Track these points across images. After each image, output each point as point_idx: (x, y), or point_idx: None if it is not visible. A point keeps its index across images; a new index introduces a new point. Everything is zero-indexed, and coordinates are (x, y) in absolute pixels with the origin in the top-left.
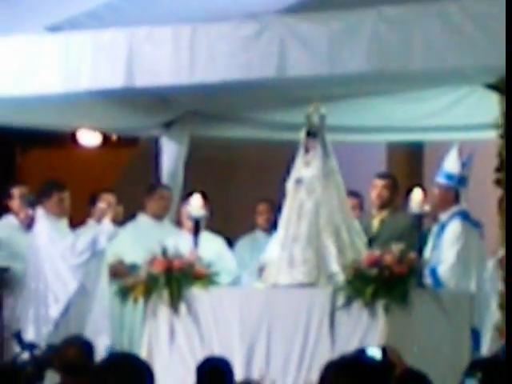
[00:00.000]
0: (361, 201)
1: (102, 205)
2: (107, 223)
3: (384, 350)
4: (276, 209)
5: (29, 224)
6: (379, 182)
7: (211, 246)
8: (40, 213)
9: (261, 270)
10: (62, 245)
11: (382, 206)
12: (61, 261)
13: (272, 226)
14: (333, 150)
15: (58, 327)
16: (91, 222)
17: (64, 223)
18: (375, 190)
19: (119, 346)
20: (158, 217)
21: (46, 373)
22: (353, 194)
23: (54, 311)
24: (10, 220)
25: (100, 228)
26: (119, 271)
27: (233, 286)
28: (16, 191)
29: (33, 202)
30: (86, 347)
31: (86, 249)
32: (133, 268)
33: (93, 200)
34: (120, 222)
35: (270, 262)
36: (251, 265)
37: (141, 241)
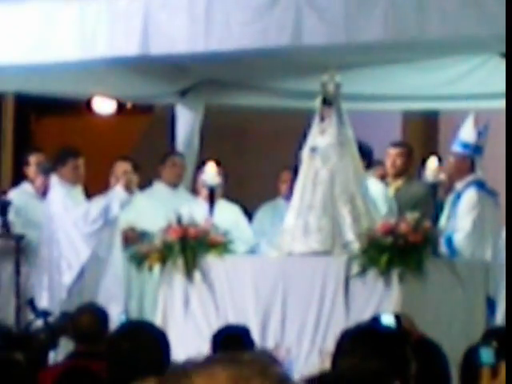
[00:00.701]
0: (385, 170)
1: (119, 170)
2: (119, 190)
3: (398, 318)
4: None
5: (44, 191)
6: (393, 151)
7: (227, 215)
8: (54, 180)
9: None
10: (75, 213)
11: (397, 174)
12: (74, 229)
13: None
14: (348, 118)
15: (71, 294)
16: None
17: (79, 191)
18: (389, 158)
19: (132, 313)
20: (173, 184)
21: (59, 340)
22: (379, 163)
23: (67, 278)
24: (26, 187)
25: (112, 195)
26: (130, 237)
27: (248, 254)
28: (32, 158)
29: (48, 169)
30: (101, 315)
31: (98, 217)
32: (144, 235)
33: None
34: (136, 189)
35: (285, 229)
36: (270, 232)
37: (156, 208)
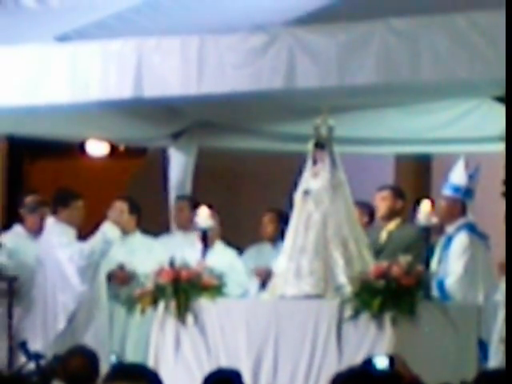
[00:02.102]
0: (372, 212)
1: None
2: (107, 226)
3: (391, 360)
4: (283, 219)
5: (36, 231)
6: (378, 195)
7: (223, 258)
8: (50, 221)
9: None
10: (70, 248)
11: (383, 217)
12: (69, 264)
13: (278, 237)
14: (341, 161)
15: (63, 335)
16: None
17: (73, 233)
18: (375, 202)
19: (123, 355)
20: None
21: (51, 383)
22: (364, 205)
23: (61, 320)
24: (18, 230)
25: (102, 232)
26: (119, 277)
27: (240, 298)
28: (28, 200)
29: (34, 207)
30: (91, 357)
31: (95, 249)
32: (133, 275)
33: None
34: (134, 230)
35: (277, 272)
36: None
37: (150, 250)
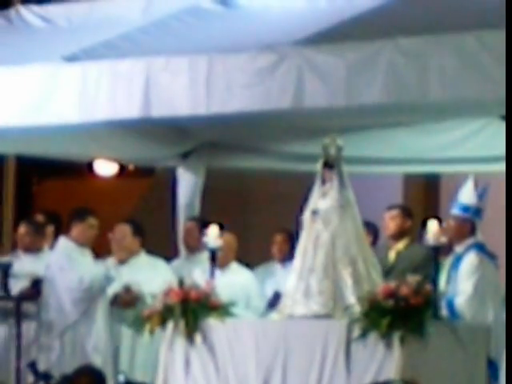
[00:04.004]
0: (375, 232)
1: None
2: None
3: None
4: (293, 240)
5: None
6: (386, 214)
7: (238, 281)
8: (62, 242)
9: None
10: (70, 275)
11: (392, 237)
12: (66, 293)
13: (287, 257)
14: (349, 181)
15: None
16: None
17: (87, 252)
18: (384, 221)
19: (132, 375)
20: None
21: None
22: (368, 224)
23: (55, 338)
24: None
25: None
26: (126, 300)
27: (249, 317)
28: (39, 217)
29: (37, 228)
30: (98, 376)
31: (93, 285)
32: (139, 297)
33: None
34: (139, 251)
35: (286, 292)
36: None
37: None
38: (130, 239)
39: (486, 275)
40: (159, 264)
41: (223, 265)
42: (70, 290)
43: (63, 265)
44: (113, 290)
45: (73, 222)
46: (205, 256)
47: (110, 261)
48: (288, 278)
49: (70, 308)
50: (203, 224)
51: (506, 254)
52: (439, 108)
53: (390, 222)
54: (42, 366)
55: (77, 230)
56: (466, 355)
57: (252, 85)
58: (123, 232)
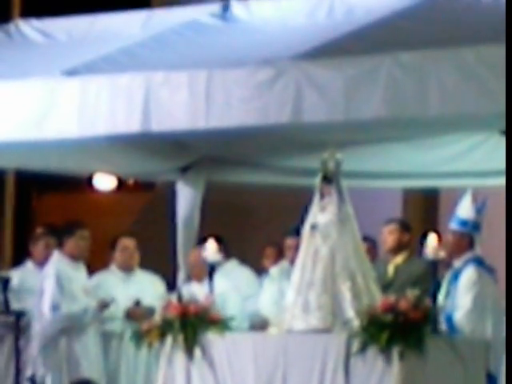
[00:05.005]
0: (373, 246)
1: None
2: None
3: None
4: (283, 253)
5: (42, 262)
6: (384, 228)
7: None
8: (56, 256)
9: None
10: (46, 302)
11: (390, 251)
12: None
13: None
14: (348, 195)
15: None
16: (112, 267)
17: (81, 267)
18: (382, 236)
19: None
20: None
21: None
22: (365, 238)
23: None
24: (27, 264)
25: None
26: (136, 314)
27: (248, 332)
28: (39, 230)
29: (36, 238)
30: None
31: (81, 317)
32: (150, 310)
33: (113, 244)
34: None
35: (285, 307)
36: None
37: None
38: (136, 254)
39: (484, 289)
40: (155, 279)
41: (200, 279)
42: (42, 314)
43: (44, 285)
44: (123, 305)
45: (64, 237)
46: None
47: (116, 273)
48: (286, 293)
49: (48, 324)
50: (202, 237)
51: (506, 268)
52: (438, 122)
53: (388, 236)
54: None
55: (68, 244)
56: (465, 369)
57: (251, 99)
58: (132, 247)
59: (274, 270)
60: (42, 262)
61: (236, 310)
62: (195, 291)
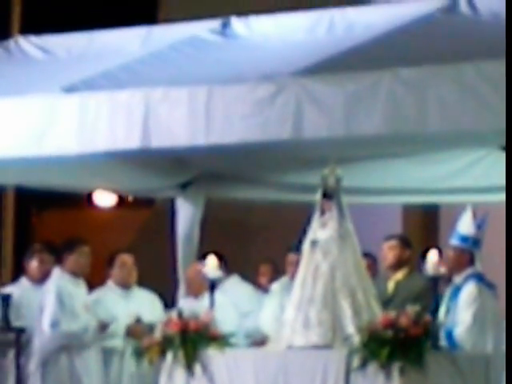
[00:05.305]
0: (374, 262)
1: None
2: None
3: None
4: (278, 270)
5: (38, 279)
6: (384, 245)
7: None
8: (56, 272)
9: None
10: (46, 318)
11: (390, 267)
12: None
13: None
14: (348, 211)
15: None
16: (110, 283)
17: (81, 283)
18: (382, 252)
19: None
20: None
21: None
22: (366, 255)
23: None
24: (23, 281)
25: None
26: (136, 331)
27: (248, 348)
28: (37, 247)
29: (31, 254)
30: None
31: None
32: (151, 328)
33: (111, 260)
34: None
35: (285, 322)
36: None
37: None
38: (135, 271)
39: (485, 305)
40: (153, 297)
41: (198, 294)
42: (42, 330)
43: (48, 300)
44: (124, 322)
45: (64, 254)
46: None
47: (114, 289)
48: (286, 309)
49: (47, 340)
50: (202, 254)
51: (506, 282)
52: (438, 138)
53: (388, 252)
54: None
55: (69, 261)
56: None
57: (251, 115)
58: (131, 263)
59: (275, 286)
60: (36, 279)
61: (233, 326)
62: (191, 306)
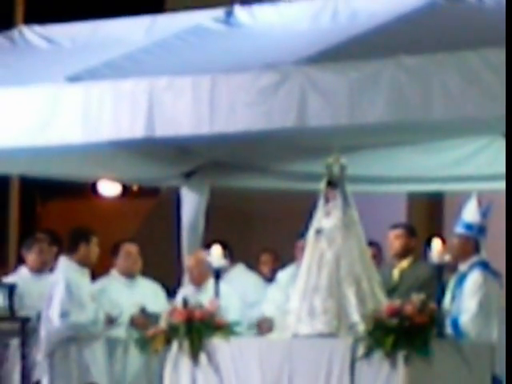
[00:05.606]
0: (379, 250)
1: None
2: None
3: None
4: (279, 258)
5: (38, 269)
6: (391, 233)
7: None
8: (63, 261)
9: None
10: (55, 308)
11: (397, 256)
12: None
13: (274, 277)
14: (353, 199)
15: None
16: (114, 273)
17: (86, 273)
18: (388, 240)
19: None
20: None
21: None
22: (371, 243)
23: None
24: (22, 270)
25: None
26: (140, 322)
27: (253, 337)
28: (41, 236)
29: (30, 244)
30: None
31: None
32: (155, 317)
33: (115, 250)
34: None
35: (290, 311)
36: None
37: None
38: (139, 260)
39: (490, 293)
40: (157, 287)
41: (200, 283)
42: (50, 320)
43: (57, 290)
44: (128, 312)
45: (79, 242)
46: None
47: (119, 278)
48: (291, 297)
49: (55, 330)
50: (206, 243)
51: (505, 267)
52: (442, 126)
53: (394, 241)
54: None
55: (82, 251)
56: (471, 373)
57: (255, 104)
58: (136, 253)
59: (281, 275)
60: (36, 269)
61: (237, 315)
62: (192, 296)
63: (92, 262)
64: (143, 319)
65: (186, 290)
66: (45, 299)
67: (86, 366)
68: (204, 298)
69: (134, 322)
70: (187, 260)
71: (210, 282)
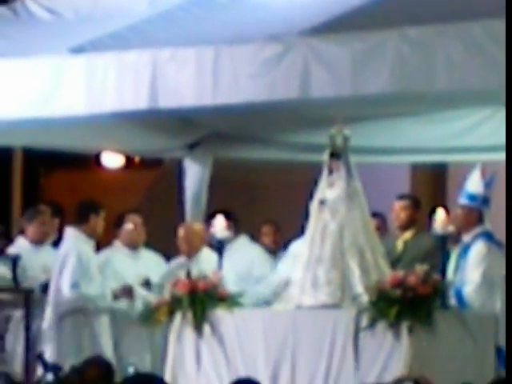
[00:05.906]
0: (383, 221)
1: (129, 226)
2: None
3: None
4: (280, 230)
5: (38, 241)
6: (397, 204)
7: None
8: (71, 232)
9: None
10: (65, 279)
11: (402, 227)
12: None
13: (278, 248)
14: (356, 170)
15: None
16: (117, 244)
17: (91, 244)
18: (394, 211)
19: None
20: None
21: None
22: (375, 214)
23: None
24: (20, 241)
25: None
26: (122, 294)
27: (257, 307)
28: (43, 208)
29: (32, 216)
30: (107, 368)
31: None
32: (160, 289)
33: (119, 221)
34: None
35: (294, 282)
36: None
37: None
38: (143, 231)
39: (494, 264)
40: (159, 258)
41: (190, 254)
42: (59, 291)
43: (69, 262)
44: (132, 282)
45: (89, 214)
46: None
47: (122, 250)
48: (295, 268)
49: (64, 301)
50: (210, 214)
51: (505, 241)
52: (446, 97)
53: (400, 212)
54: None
55: (92, 222)
56: (475, 343)
57: (258, 75)
58: (141, 222)
59: (293, 246)
60: (36, 240)
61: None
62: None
63: (99, 235)
64: (124, 292)
65: (176, 261)
66: (52, 270)
67: (94, 336)
68: (194, 269)
69: (116, 296)
70: (178, 231)
71: (203, 253)
